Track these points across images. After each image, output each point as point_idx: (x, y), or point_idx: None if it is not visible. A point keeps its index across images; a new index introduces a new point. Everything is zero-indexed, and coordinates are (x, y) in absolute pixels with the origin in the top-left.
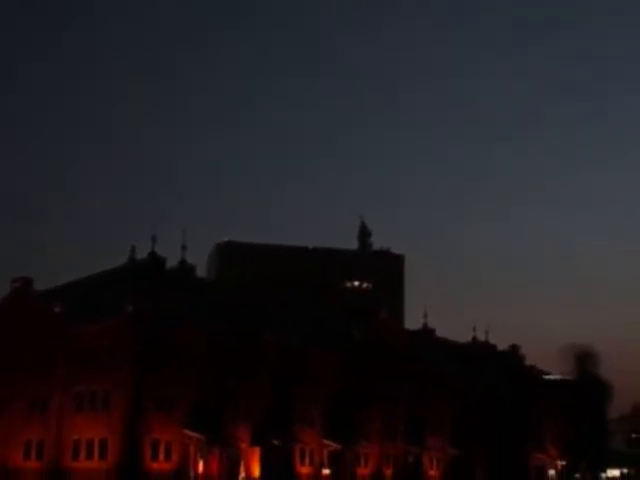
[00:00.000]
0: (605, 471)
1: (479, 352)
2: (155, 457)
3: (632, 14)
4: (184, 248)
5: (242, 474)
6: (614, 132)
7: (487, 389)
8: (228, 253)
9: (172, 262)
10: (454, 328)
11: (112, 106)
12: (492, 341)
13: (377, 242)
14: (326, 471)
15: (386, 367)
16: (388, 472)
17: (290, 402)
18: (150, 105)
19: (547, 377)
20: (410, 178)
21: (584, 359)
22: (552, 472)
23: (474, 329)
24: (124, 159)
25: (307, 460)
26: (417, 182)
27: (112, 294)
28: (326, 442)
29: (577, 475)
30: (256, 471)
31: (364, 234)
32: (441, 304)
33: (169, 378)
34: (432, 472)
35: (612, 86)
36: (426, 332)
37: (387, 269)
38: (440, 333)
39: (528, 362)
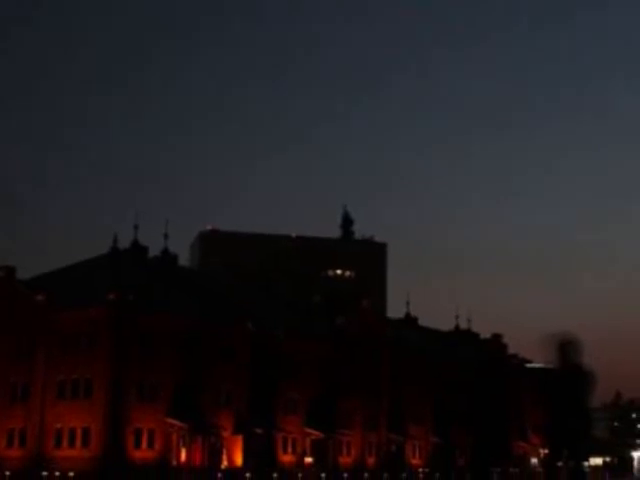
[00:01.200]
0: (588, 459)
1: (462, 340)
2: (138, 445)
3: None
4: (166, 237)
5: (224, 462)
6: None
7: (469, 377)
8: (211, 242)
9: (155, 251)
10: (437, 316)
11: (94, 93)
12: (474, 330)
13: (360, 231)
14: (308, 459)
15: (369, 355)
16: (370, 460)
17: (272, 391)
18: (132, 94)
19: (529, 365)
20: (393, 167)
21: (566, 347)
22: (534, 460)
23: (457, 318)
24: (107, 147)
25: (289, 448)
26: (400, 171)
27: (94, 283)
28: (308, 430)
29: (559, 463)
30: (238, 459)
31: (347, 223)
32: (424, 292)
33: (151, 367)
34: (415, 460)
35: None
36: (409, 320)
37: (370, 257)
38: (423, 321)
39: (510, 351)
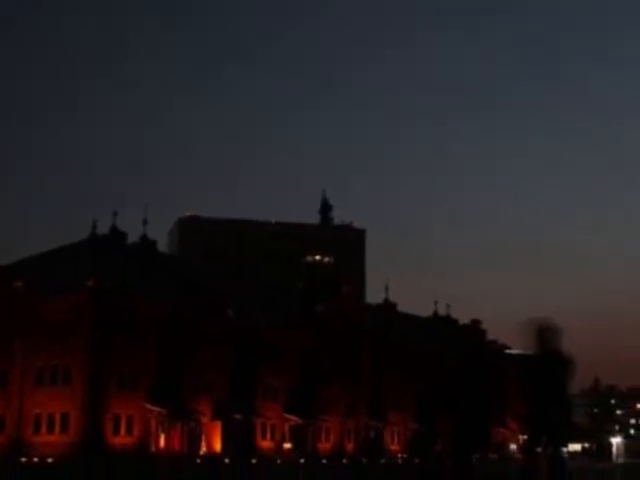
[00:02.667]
0: (567, 445)
1: (441, 326)
2: (117, 431)
3: None
4: (145, 223)
5: (203, 448)
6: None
7: (449, 363)
8: (189, 228)
9: (134, 237)
10: (416, 303)
11: (77, 78)
12: (453, 316)
13: (338, 216)
14: (287, 445)
15: (348, 341)
16: (349, 446)
17: (252, 377)
18: (114, 79)
19: (508, 351)
20: (371, 153)
21: (545, 333)
22: (513, 446)
23: (435, 303)
24: (87, 133)
25: (268, 434)
26: (378, 157)
27: (73, 269)
28: (287, 416)
29: (538, 449)
30: (217, 445)
31: (325, 208)
32: (403, 279)
33: (130, 353)
34: (393, 446)
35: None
36: (388, 306)
37: (349, 243)
38: (402, 307)
39: (489, 337)
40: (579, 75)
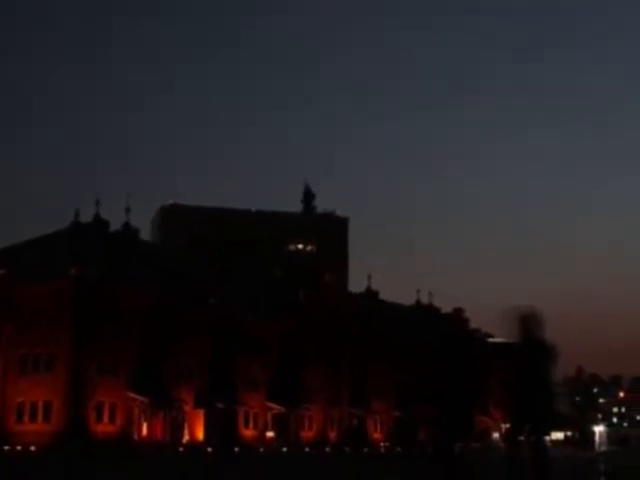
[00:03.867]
0: (549, 434)
1: (423, 315)
2: (99, 419)
3: None
4: (128, 211)
5: (186, 437)
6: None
7: (433, 352)
8: (171, 216)
9: (116, 225)
10: (398, 291)
11: (59, 64)
12: (436, 304)
13: (321, 205)
14: (270, 434)
15: (330, 330)
16: (332, 435)
17: (234, 365)
18: (95, 66)
19: (491, 340)
20: (353, 141)
21: (528, 321)
22: (496, 435)
23: (418, 292)
24: (70, 121)
25: (251, 423)
26: (360, 146)
27: (56, 257)
28: (270, 405)
29: (521, 438)
30: (200, 434)
31: (308, 197)
32: (385, 267)
33: (113, 341)
34: (376, 434)
35: None
36: (370, 295)
37: (331, 232)
38: (384, 296)
39: (472, 325)
40: (565, 60)
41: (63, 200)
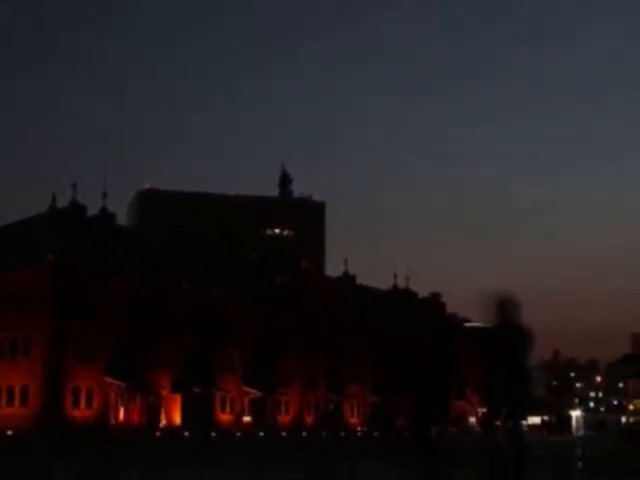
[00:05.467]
0: (526, 418)
1: (400, 300)
2: (76, 404)
3: None
4: (105, 196)
5: (163, 421)
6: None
7: (408, 337)
8: (148, 200)
9: (93, 210)
10: (375, 276)
11: (35, 46)
12: (413, 289)
13: (298, 189)
14: (247, 418)
15: (308, 314)
16: (309, 419)
17: (211, 350)
18: (72, 51)
19: (467, 324)
20: (330, 126)
21: (504, 306)
22: (472, 419)
23: (395, 277)
24: (46, 105)
25: (228, 407)
26: (337, 130)
27: (33, 242)
28: (247, 389)
29: (497, 422)
30: (177, 418)
31: (285, 181)
32: (362, 252)
33: (90, 325)
34: (353, 419)
35: None
36: (347, 279)
37: (308, 217)
38: (361, 280)
39: (449, 310)
40: (543, 42)
41: (40, 185)
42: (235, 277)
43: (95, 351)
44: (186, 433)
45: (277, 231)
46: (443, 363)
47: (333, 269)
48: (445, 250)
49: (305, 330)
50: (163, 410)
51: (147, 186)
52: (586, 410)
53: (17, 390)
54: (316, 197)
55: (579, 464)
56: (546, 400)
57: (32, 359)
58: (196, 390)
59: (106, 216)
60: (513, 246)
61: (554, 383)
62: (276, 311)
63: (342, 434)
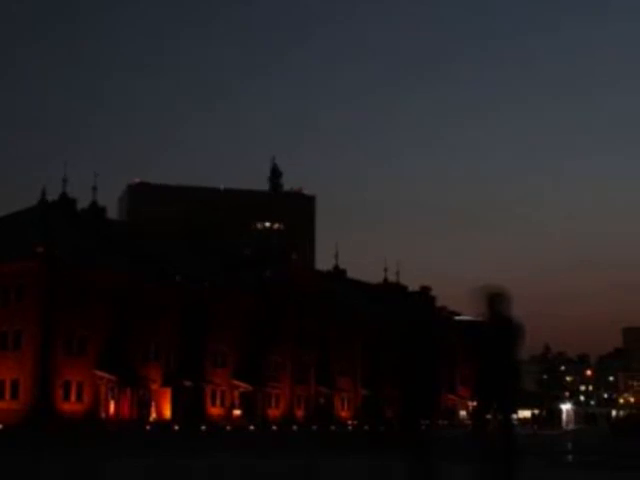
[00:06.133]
0: (516, 412)
1: (390, 293)
2: (67, 398)
3: None
4: (95, 189)
5: (153, 414)
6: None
7: (399, 329)
8: (139, 194)
9: (83, 204)
10: (365, 269)
11: (25, 44)
12: (403, 282)
13: (288, 183)
14: (237, 412)
15: (298, 308)
16: (299, 413)
17: (201, 343)
18: (63, 45)
19: (458, 318)
20: (320, 120)
21: (495, 300)
22: (463, 413)
23: (385, 270)
24: (37, 99)
25: (218, 401)
26: (327, 124)
27: (23, 236)
28: (237, 383)
29: (488, 416)
30: (167, 412)
31: (275, 175)
32: (353, 245)
33: (80, 319)
34: (343, 412)
35: None
36: (337, 273)
37: (299, 210)
38: (351, 274)
39: (439, 303)
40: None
41: (31, 178)
42: (226, 270)
43: (85, 345)
44: (176, 426)
45: (267, 224)
46: (424, 353)
47: (323, 262)
48: (436, 244)
49: (295, 324)
50: (153, 404)
51: (137, 180)
52: (576, 404)
53: (7, 384)
54: (306, 191)
55: (569, 457)
56: (536, 394)
57: (23, 353)
58: (186, 384)
59: (96, 210)
60: (505, 241)
61: (544, 377)
62: (266, 305)
63: (333, 427)
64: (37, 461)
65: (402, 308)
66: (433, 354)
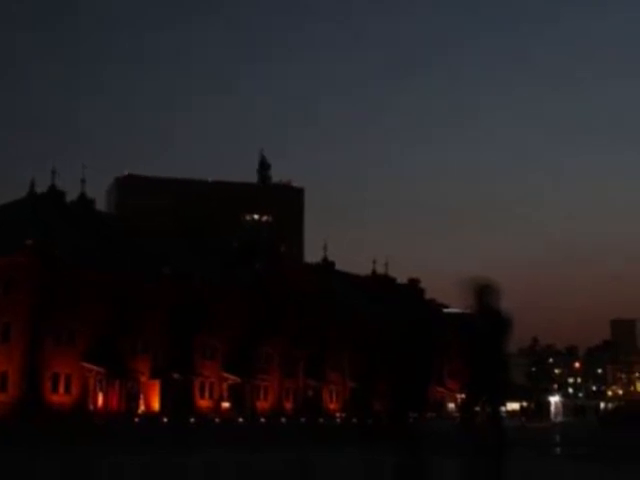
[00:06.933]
0: (505, 404)
1: (379, 285)
2: (55, 390)
3: None
4: (83, 182)
5: (142, 407)
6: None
7: (389, 322)
8: (127, 187)
9: (72, 196)
10: (354, 261)
11: (13, 37)
12: (391, 274)
13: (276, 175)
14: (226, 404)
15: (286, 301)
16: (288, 405)
17: (190, 336)
18: (50, 39)
19: (446, 310)
20: (308, 112)
21: (483, 292)
22: (451, 405)
23: (374, 262)
24: (25, 92)
25: (207, 393)
26: (316, 116)
27: (12, 228)
28: (226, 375)
29: (477, 409)
30: (155, 404)
31: (263, 167)
32: (341, 237)
33: (69, 311)
34: (332, 405)
35: None
36: (326, 265)
37: (287, 202)
38: (340, 266)
39: (427, 295)
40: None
41: (18, 171)
42: (214, 263)
43: (74, 337)
44: (165, 419)
45: (256, 217)
46: (421, 351)
47: (312, 255)
48: (424, 236)
49: (284, 316)
50: (142, 396)
51: (126, 172)
52: (565, 396)
53: None
54: (295, 183)
55: (558, 450)
56: (525, 386)
57: (11, 345)
58: (175, 376)
59: (85, 202)
60: (492, 233)
61: (533, 369)
62: (255, 297)
63: (321, 420)
64: (33, 459)
65: (393, 301)
66: (431, 351)
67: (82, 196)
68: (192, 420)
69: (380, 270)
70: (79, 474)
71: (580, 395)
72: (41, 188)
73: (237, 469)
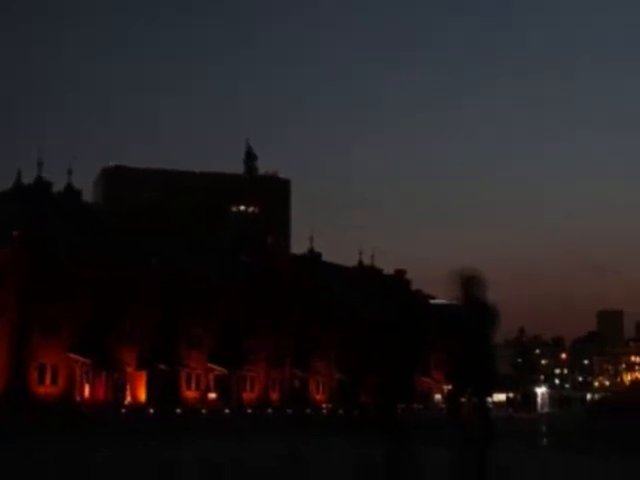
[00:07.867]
0: (491, 395)
1: (365, 276)
2: (41, 381)
3: None
4: (70, 173)
5: (128, 398)
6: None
7: (372, 313)
8: (114, 178)
9: (59, 187)
10: (340, 252)
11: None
12: (378, 266)
13: (263, 166)
14: (212, 395)
15: (273, 291)
16: (274, 396)
17: (177, 327)
18: (38, 27)
19: (433, 301)
20: (295, 102)
21: (470, 283)
22: (438, 396)
23: (360, 253)
24: (12, 82)
25: (193, 384)
26: (302, 107)
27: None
28: (212, 366)
29: (463, 400)
30: (142, 395)
31: (250, 158)
32: (328, 229)
33: (55, 302)
34: (318, 396)
35: None
36: (312, 256)
37: (274, 193)
38: (326, 257)
39: (414, 287)
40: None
41: (5, 161)
42: (202, 254)
43: (60, 328)
44: (151, 410)
45: (242, 208)
46: (408, 340)
47: (298, 246)
48: (410, 227)
49: (271, 307)
50: (128, 387)
51: (112, 163)
52: (551, 387)
53: None
54: (281, 174)
55: (544, 440)
56: (511, 377)
57: None
58: (161, 367)
59: (72, 193)
60: (477, 223)
61: (519, 360)
62: (242, 288)
63: (307, 410)
64: (28, 453)
65: (379, 292)
66: (417, 338)
67: (69, 186)
68: (178, 411)
69: (366, 261)
70: (77, 469)
71: (567, 386)
72: (28, 179)
73: (232, 467)
